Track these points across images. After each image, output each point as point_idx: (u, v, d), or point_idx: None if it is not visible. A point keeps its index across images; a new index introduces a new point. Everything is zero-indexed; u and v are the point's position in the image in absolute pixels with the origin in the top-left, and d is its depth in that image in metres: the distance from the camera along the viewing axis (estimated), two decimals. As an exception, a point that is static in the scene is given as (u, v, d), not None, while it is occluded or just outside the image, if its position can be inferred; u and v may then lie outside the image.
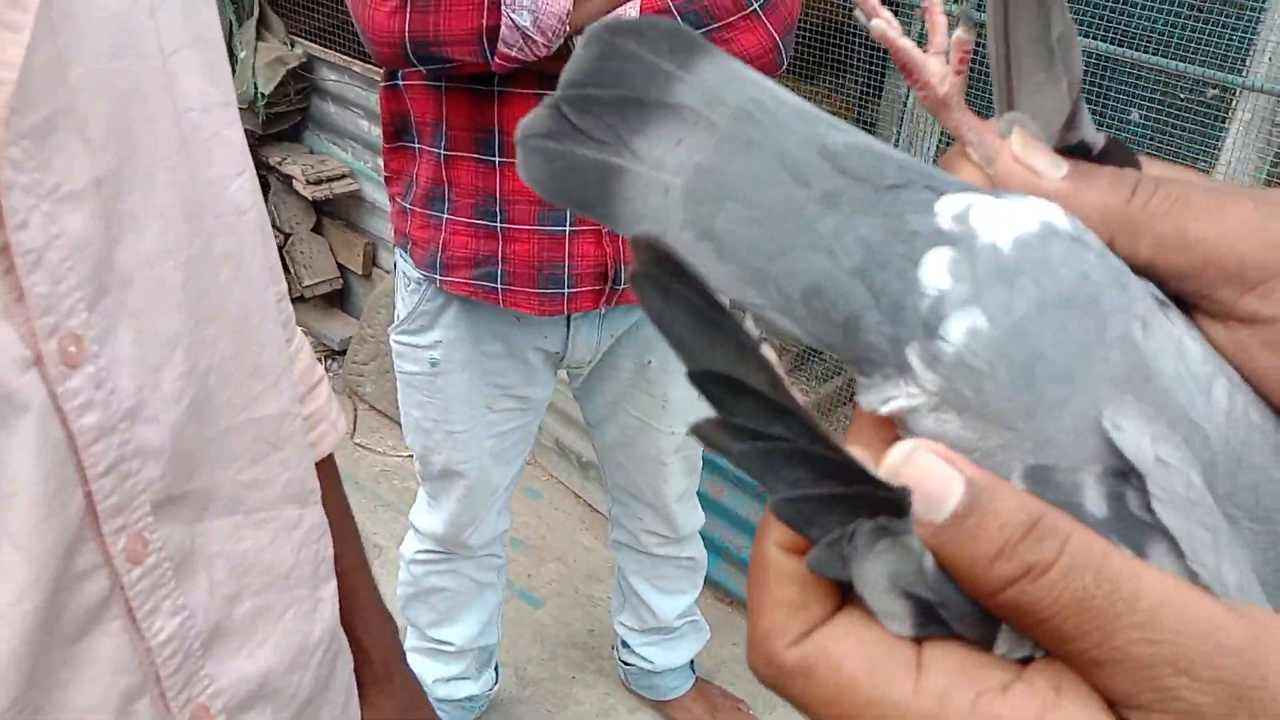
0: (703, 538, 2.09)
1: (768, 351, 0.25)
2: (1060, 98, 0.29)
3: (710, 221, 0.28)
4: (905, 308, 0.27)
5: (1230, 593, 0.26)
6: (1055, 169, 0.28)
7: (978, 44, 0.31)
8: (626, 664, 2.23)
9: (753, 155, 0.29)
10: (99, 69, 0.49)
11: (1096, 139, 0.29)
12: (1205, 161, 2.18)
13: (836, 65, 2.78)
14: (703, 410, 0.25)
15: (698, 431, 0.25)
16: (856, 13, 0.32)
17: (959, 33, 0.31)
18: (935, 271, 0.27)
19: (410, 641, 2.07)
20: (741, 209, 0.28)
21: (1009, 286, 0.27)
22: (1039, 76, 0.29)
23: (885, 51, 2.51)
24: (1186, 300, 0.28)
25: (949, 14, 0.33)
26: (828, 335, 0.29)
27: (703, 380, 0.25)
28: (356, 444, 3.03)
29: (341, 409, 0.89)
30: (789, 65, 3.02)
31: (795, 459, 0.25)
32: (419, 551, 1.93)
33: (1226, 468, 0.26)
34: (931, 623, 0.25)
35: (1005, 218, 0.28)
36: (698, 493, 2.03)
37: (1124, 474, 0.26)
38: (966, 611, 0.25)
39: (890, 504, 0.25)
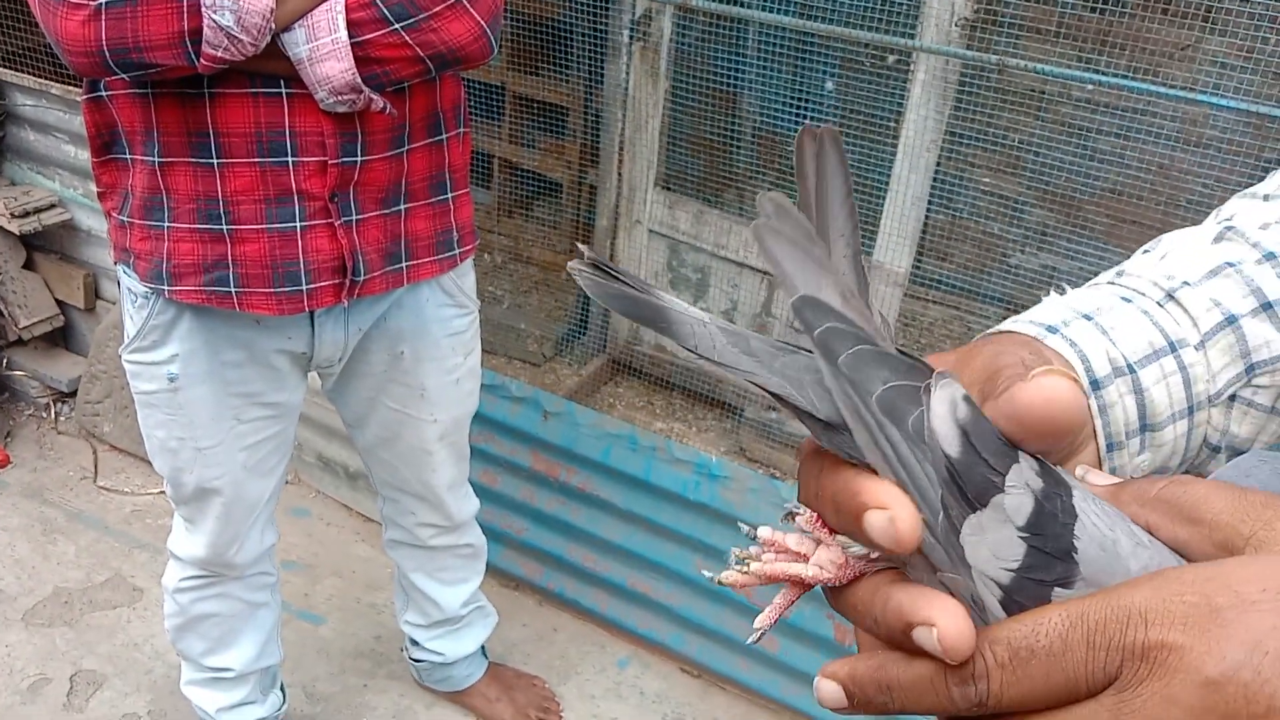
0: (481, 526, 2.10)
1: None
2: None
3: (745, 345, 0.39)
4: None
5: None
6: (1104, 480, 0.41)
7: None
8: (417, 661, 2.22)
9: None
10: None
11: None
12: (894, 122, 2.40)
13: (559, 58, 2.86)
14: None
15: (819, 344, 0.36)
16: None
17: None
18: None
19: (187, 675, 1.98)
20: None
21: None
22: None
23: (604, 42, 2.59)
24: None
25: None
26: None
27: (798, 305, 0.37)
28: (101, 488, 2.85)
29: None
30: (513, 60, 3.06)
31: (879, 360, 0.37)
32: (183, 579, 1.85)
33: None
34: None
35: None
36: (472, 483, 2.04)
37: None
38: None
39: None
